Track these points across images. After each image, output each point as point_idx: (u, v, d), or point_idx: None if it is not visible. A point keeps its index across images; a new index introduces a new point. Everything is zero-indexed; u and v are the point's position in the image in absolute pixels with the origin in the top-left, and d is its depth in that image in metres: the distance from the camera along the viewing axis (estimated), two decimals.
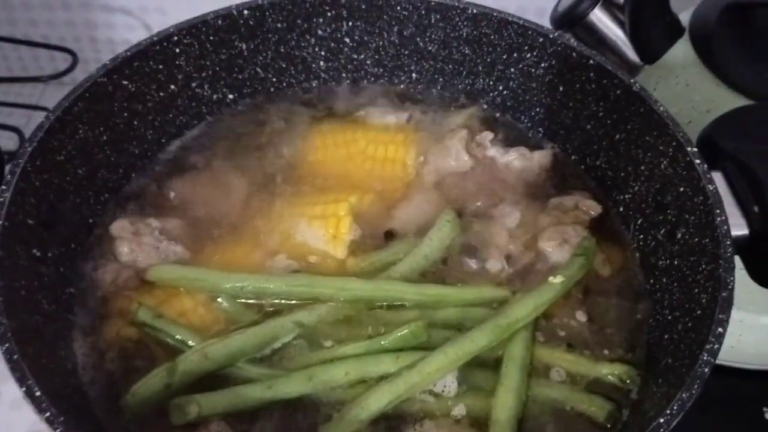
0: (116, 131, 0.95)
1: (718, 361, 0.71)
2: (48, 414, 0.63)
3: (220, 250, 0.93)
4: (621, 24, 1.12)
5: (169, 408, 0.76)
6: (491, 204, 0.99)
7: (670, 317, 0.84)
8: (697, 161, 0.84)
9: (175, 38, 0.97)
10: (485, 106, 1.12)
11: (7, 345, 0.66)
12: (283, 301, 0.87)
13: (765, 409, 1.09)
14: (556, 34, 0.99)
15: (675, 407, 0.67)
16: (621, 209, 0.98)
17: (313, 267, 0.91)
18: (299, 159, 1.04)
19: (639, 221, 0.94)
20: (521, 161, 1.03)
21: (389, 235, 0.95)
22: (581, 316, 0.89)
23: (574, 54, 0.98)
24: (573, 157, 1.05)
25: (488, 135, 1.05)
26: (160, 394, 0.77)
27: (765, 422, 1.08)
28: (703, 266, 0.80)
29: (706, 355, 0.70)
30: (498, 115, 1.11)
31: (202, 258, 0.91)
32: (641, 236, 0.94)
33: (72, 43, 1.50)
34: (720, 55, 1.09)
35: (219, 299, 0.86)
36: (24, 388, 0.64)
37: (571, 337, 0.87)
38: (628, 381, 0.83)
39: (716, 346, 0.71)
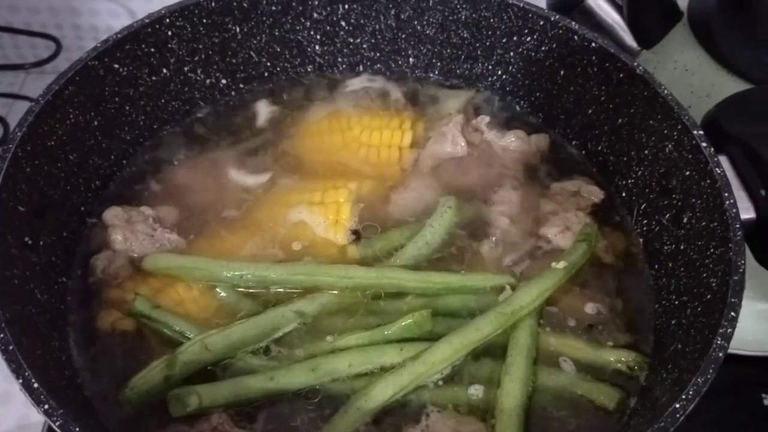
0: (107, 116, 0.92)
1: None
2: (47, 406, 0.61)
3: (216, 238, 0.90)
4: (618, 8, 1.11)
5: (167, 400, 0.74)
6: (491, 189, 0.98)
7: (677, 302, 0.83)
8: (704, 144, 0.83)
9: (167, 20, 0.94)
10: (484, 91, 1.10)
11: (1, 335, 0.64)
12: (283, 290, 0.85)
13: (764, 395, 1.09)
14: (558, 17, 0.98)
15: (690, 392, 0.66)
16: (624, 195, 0.97)
17: (314, 254, 0.89)
18: (295, 146, 1.01)
19: (643, 206, 0.93)
20: (518, 144, 1.01)
21: None
22: (585, 304, 0.87)
23: (575, 37, 0.96)
24: (574, 142, 1.04)
25: (484, 119, 1.03)
26: (160, 387, 0.75)
27: (764, 408, 1.08)
28: (712, 250, 0.79)
29: (719, 339, 0.69)
30: (497, 100, 1.09)
31: (198, 246, 0.89)
32: (645, 221, 0.93)
33: (54, 30, 1.47)
34: (719, 38, 1.08)
35: (217, 288, 0.84)
36: (21, 380, 0.62)
37: (575, 325, 0.86)
38: (635, 367, 0.82)
39: (729, 330, 0.70)
